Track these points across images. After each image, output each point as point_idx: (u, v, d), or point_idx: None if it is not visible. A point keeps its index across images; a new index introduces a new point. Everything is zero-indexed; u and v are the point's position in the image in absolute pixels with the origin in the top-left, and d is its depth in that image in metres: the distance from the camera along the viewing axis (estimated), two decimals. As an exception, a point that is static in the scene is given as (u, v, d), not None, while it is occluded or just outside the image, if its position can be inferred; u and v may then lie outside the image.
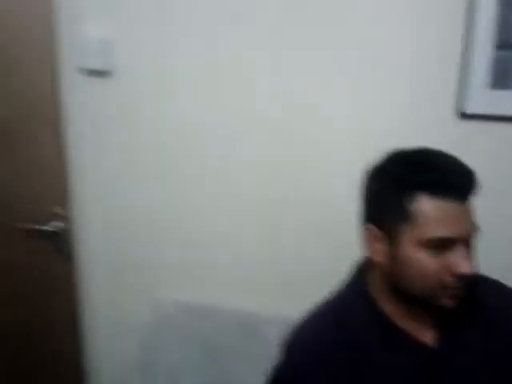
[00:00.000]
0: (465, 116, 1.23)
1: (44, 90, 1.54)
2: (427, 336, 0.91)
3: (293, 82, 1.33)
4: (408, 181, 0.82)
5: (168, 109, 1.43)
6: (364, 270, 0.95)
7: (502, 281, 0.99)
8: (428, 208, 0.81)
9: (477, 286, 0.91)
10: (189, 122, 1.42)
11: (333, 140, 1.34)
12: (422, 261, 0.82)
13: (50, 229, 1.63)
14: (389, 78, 1.27)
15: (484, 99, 1.22)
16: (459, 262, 0.81)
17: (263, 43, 1.32)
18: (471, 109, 1.23)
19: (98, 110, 1.49)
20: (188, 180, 1.47)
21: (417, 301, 0.87)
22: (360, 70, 1.28)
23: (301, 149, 1.37)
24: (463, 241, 0.82)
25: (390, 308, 0.90)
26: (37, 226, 1.64)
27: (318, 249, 1.41)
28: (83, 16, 1.43)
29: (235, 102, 1.38)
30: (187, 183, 1.47)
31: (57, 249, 1.66)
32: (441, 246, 0.81)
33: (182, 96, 1.41)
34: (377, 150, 0.89)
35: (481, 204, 0.87)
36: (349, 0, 1.25)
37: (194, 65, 1.38)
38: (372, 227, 0.88)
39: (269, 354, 0.99)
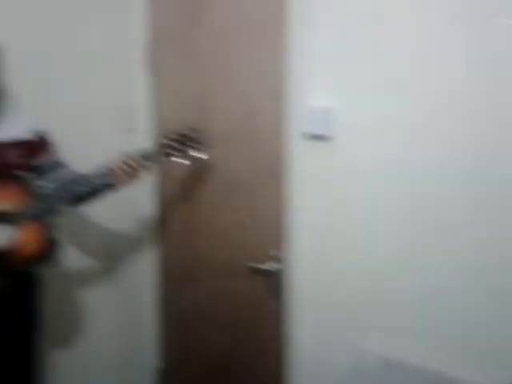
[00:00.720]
0: None
1: (271, 151, 1.81)
2: None
3: None
4: None
5: (382, 173, 1.55)
6: None
7: None
8: None
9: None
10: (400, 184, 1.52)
11: None
12: None
13: (267, 268, 1.87)
14: None
15: None
16: None
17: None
18: None
19: (317, 169, 1.68)
20: (407, 232, 1.53)
21: None
22: None
23: None
24: None
25: None
26: (257, 265, 1.90)
27: None
28: (308, 87, 1.65)
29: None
30: (405, 236, 1.54)
31: (271, 286, 1.89)
32: None
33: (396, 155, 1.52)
34: None
35: None
36: None
37: (409, 129, 1.48)
38: None
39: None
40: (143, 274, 2.31)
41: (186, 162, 1.81)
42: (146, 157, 1.75)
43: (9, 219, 1.59)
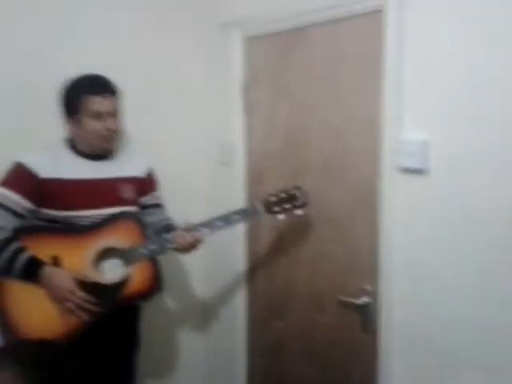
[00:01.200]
0: None
1: (365, 183, 1.82)
2: None
3: None
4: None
5: (478, 209, 1.51)
6: None
7: None
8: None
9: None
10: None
11: None
12: None
13: (358, 302, 1.85)
14: None
15: None
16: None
17: None
18: None
19: (412, 203, 1.67)
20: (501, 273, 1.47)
21: None
22: None
23: None
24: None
25: None
26: (347, 298, 1.89)
27: None
28: (402, 120, 1.67)
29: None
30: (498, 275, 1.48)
31: (361, 320, 1.87)
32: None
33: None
34: None
35: None
36: None
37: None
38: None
39: None
40: (234, 307, 2.37)
41: (287, 218, 1.86)
42: (246, 213, 1.84)
43: (124, 256, 1.73)
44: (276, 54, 2.09)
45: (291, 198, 1.85)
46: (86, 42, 2.01)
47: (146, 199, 1.91)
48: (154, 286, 1.78)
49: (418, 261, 1.68)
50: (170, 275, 1.94)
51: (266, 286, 2.24)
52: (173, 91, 2.28)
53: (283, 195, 1.85)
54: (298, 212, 1.86)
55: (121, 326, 1.84)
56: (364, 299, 1.84)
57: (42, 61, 1.92)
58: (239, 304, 2.34)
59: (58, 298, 1.64)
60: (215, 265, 2.41)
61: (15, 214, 1.66)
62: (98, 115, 1.72)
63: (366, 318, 1.86)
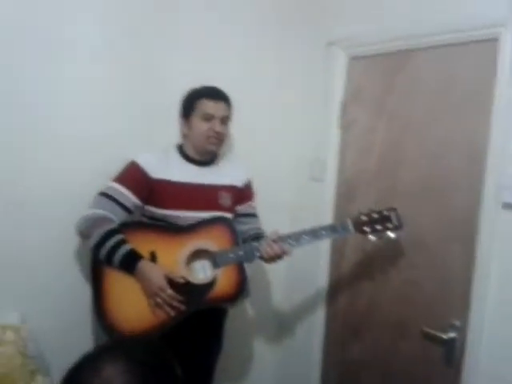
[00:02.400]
0: None
1: (462, 214, 1.77)
2: None
3: None
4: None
5: None
6: None
7: None
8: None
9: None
10: None
11: None
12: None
13: (445, 337, 1.79)
14: None
15: None
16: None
17: None
18: None
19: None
20: None
21: None
22: None
23: None
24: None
25: None
26: (432, 330, 1.83)
27: None
28: (510, 154, 1.60)
29: None
30: None
31: (446, 354, 1.80)
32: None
33: None
34: None
35: None
36: None
37: None
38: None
39: None
40: (311, 325, 2.37)
41: (377, 240, 1.83)
42: (334, 230, 1.82)
43: (213, 259, 1.79)
44: (379, 75, 2.09)
45: (384, 220, 1.81)
46: (202, 55, 2.11)
47: (242, 208, 1.98)
48: (239, 290, 1.82)
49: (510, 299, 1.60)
50: (251, 284, 1.97)
51: (347, 307, 2.22)
52: (273, 103, 2.34)
53: (375, 215, 1.82)
54: (390, 235, 1.82)
55: (209, 327, 1.91)
56: (451, 334, 1.78)
57: (159, 71, 2.04)
58: (317, 322, 2.33)
59: (149, 292, 1.73)
60: (297, 279, 2.42)
61: (125, 208, 1.78)
62: (208, 117, 1.84)
63: (450, 352, 1.79)
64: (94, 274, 1.78)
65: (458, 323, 1.77)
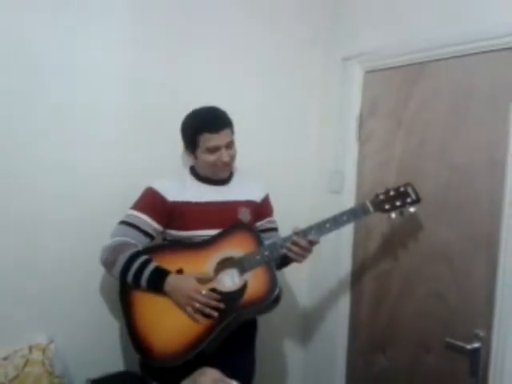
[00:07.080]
0: None
1: (484, 224, 1.77)
2: None
3: None
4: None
5: None
6: None
7: None
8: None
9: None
10: None
11: None
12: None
13: (469, 347, 1.78)
14: None
15: None
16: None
17: None
18: None
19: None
20: None
21: None
22: None
23: None
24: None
25: None
26: (456, 341, 1.83)
27: None
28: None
29: None
30: None
31: (471, 365, 1.79)
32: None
33: None
34: None
35: None
36: None
37: None
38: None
39: None
40: (334, 336, 2.37)
41: (398, 216, 1.82)
42: (355, 213, 1.80)
43: (240, 264, 1.79)
44: (396, 87, 2.10)
45: (402, 195, 1.81)
46: (213, 72, 2.15)
47: (262, 223, 1.99)
48: (271, 289, 1.75)
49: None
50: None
51: (370, 319, 2.23)
52: (291, 117, 2.38)
53: (393, 193, 1.82)
54: (411, 209, 1.81)
55: (242, 341, 1.90)
56: (475, 345, 1.78)
57: (172, 91, 2.06)
58: (340, 333, 2.35)
59: (184, 301, 1.70)
60: (319, 281, 2.43)
61: (146, 234, 1.81)
62: (213, 150, 1.81)
63: (475, 363, 1.78)
64: (124, 299, 1.78)
65: (481, 333, 1.77)
